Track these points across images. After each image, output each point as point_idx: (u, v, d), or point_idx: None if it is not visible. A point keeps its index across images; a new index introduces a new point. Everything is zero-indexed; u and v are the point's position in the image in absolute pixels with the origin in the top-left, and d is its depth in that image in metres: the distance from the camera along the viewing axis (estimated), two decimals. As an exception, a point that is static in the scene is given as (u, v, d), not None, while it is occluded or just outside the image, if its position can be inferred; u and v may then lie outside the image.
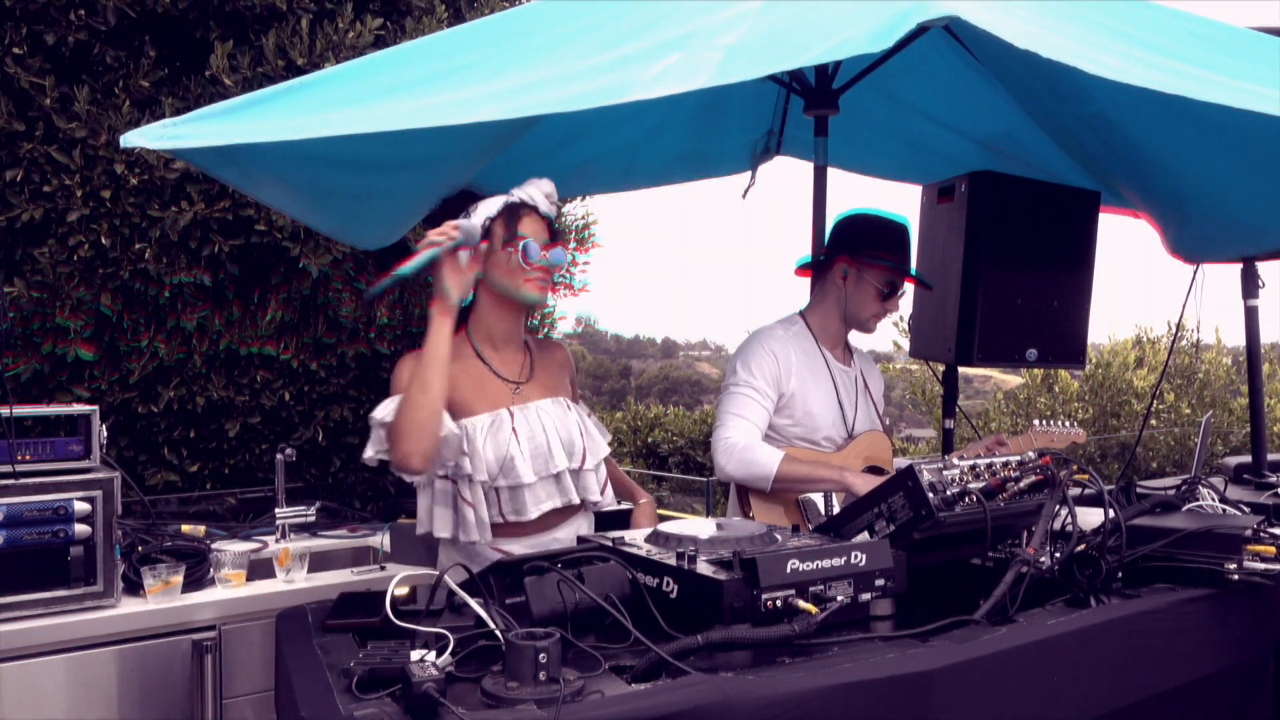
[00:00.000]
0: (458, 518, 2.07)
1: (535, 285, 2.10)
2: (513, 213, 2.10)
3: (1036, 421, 3.05)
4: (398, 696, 1.24)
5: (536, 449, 2.08)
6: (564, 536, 2.16)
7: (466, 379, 2.09)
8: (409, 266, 1.83)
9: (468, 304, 2.14)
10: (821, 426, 2.65)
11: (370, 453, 1.99)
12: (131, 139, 1.70)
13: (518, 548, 2.08)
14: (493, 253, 2.08)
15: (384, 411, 1.97)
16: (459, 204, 2.13)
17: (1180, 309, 3.37)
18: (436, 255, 1.86)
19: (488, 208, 2.08)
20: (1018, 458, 1.88)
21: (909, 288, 2.80)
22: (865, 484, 2.41)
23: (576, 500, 2.16)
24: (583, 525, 2.24)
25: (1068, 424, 3.03)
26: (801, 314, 2.79)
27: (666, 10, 1.94)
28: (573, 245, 5.23)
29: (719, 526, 1.78)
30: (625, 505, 3.11)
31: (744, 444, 2.50)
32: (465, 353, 2.13)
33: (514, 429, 2.06)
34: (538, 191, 2.15)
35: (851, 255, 2.66)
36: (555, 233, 2.18)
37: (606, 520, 2.94)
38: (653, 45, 1.78)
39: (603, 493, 2.23)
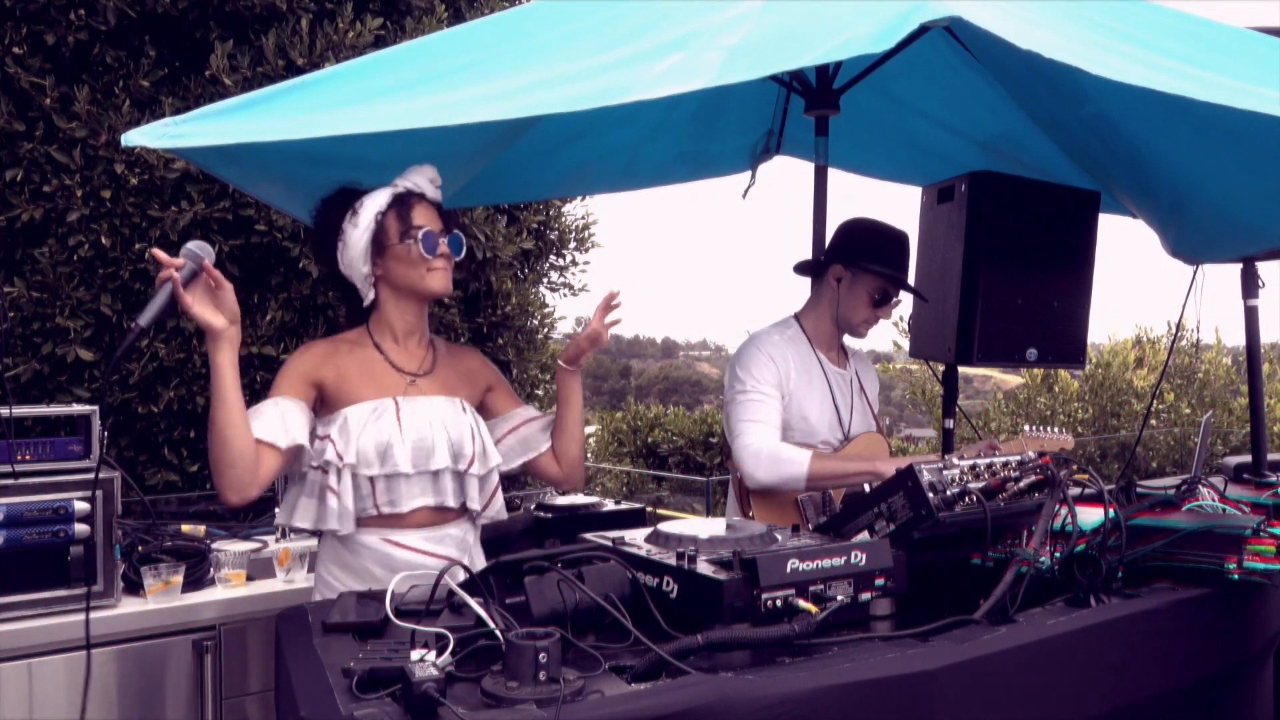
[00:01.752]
0: (322, 506, 1.96)
1: (438, 276, 2.03)
2: (403, 204, 2.02)
3: (1027, 427, 3.07)
4: (398, 696, 1.24)
5: (419, 442, 1.99)
6: (456, 533, 2.09)
7: (356, 367, 2.02)
8: (146, 315, 1.70)
9: (369, 304, 2.06)
10: (818, 429, 2.65)
11: None
12: (133, 138, 1.70)
13: (409, 538, 2.01)
14: (389, 247, 2.00)
15: (257, 430, 1.91)
16: (340, 201, 2.05)
17: (1180, 309, 3.38)
18: (170, 295, 1.71)
19: (374, 202, 2.01)
20: (1018, 457, 1.88)
21: (905, 295, 2.80)
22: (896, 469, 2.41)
23: (451, 503, 2.05)
24: (470, 532, 2.15)
25: (1057, 431, 3.05)
26: (796, 317, 2.80)
27: (668, 10, 1.94)
28: (572, 245, 5.23)
29: (728, 526, 1.78)
30: (631, 505, 3.12)
31: (769, 448, 2.48)
32: (363, 343, 2.07)
33: (398, 418, 1.99)
34: (422, 178, 2.07)
35: (847, 261, 2.67)
36: (447, 217, 2.09)
37: (614, 519, 2.94)
38: (654, 45, 1.78)
39: (488, 504, 2.12)
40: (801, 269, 2.86)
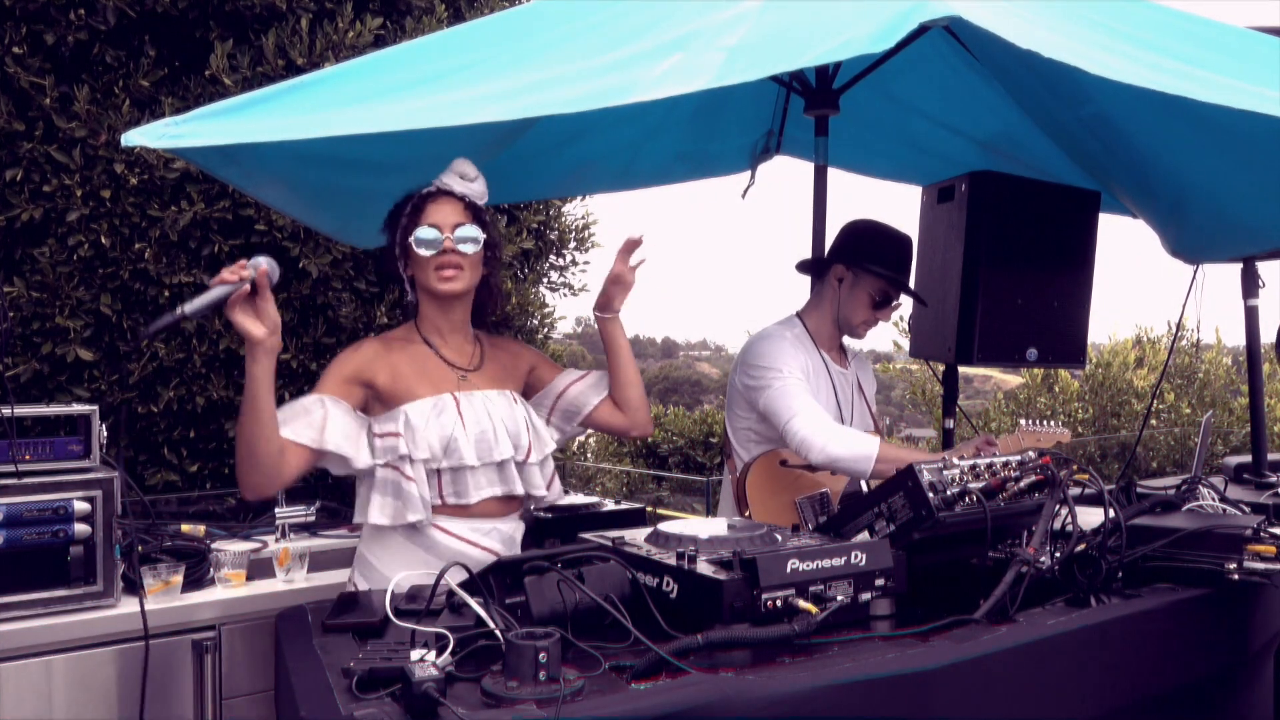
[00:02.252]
0: (400, 501, 2.00)
1: (442, 276, 2.02)
2: (416, 205, 2.04)
3: (1023, 421, 3.06)
4: (398, 696, 1.24)
5: (481, 434, 2.03)
6: (506, 529, 2.12)
7: (409, 365, 2.06)
8: (194, 305, 1.69)
9: (410, 302, 2.12)
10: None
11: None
12: (133, 138, 1.70)
13: (461, 527, 2.05)
14: (407, 248, 2.04)
15: (287, 433, 1.93)
16: (395, 208, 2.09)
17: (1180, 309, 3.38)
18: (225, 296, 1.72)
19: (405, 207, 2.07)
20: (1017, 457, 1.88)
21: (905, 297, 2.81)
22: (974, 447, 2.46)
23: (519, 491, 2.10)
24: (519, 529, 2.19)
25: (1054, 424, 3.04)
26: (799, 315, 2.80)
27: (668, 11, 1.94)
28: (572, 245, 5.23)
29: (730, 526, 1.78)
30: (631, 505, 3.11)
31: (832, 426, 2.45)
32: (413, 339, 2.11)
33: (459, 412, 2.03)
34: (450, 174, 2.08)
35: (850, 262, 2.68)
36: (475, 209, 2.08)
37: (614, 519, 2.94)
38: (655, 46, 1.78)
39: (549, 488, 2.17)
40: (803, 268, 2.87)
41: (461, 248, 2.03)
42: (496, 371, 2.17)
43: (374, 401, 2.05)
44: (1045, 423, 3.03)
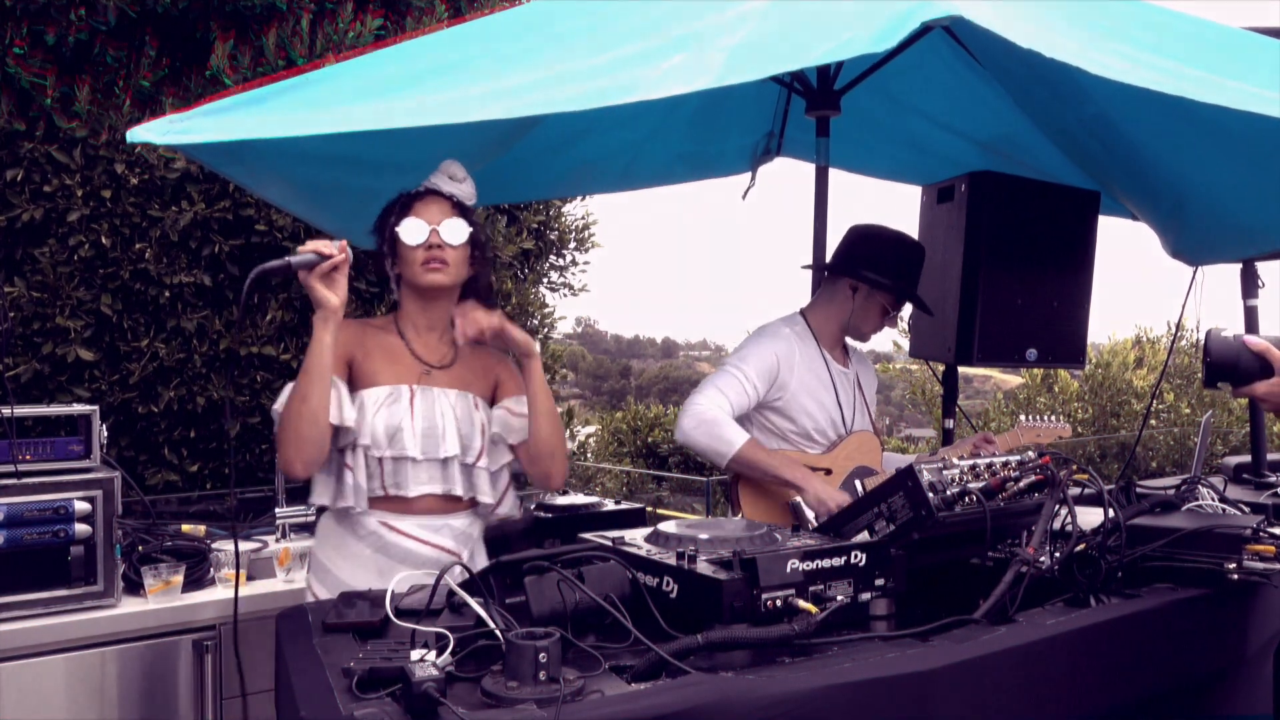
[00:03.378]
0: (339, 484, 2.02)
1: (427, 269, 2.04)
2: (405, 203, 2.08)
3: (1023, 417, 3.07)
4: (398, 696, 1.24)
5: (429, 428, 2.03)
6: (458, 525, 2.10)
7: (379, 351, 2.08)
8: (298, 260, 1.84)
9: (396, 299, 2.16)
10: (818, 426, 2.68)
11: (278, 405, 1.98)
12: (137, 134, 1.70)
13: (408, 524, 2.04)
14: (395, 244, 2.07)
15: (280, 401, 1.97)
16: (386, 207, 2.13)
17: (1180, 309, 3.38)
18: (324, 261, 1.84)
19: (392, 205, 2.10)
20: (1017, 458, 1.88)
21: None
22: (827, 493, 2.46)
23: (460, 491, 2.08)
24: (474, 525, 2.16)
25: (1053, 419, 3.04)
26: (803, 313, 2.81)
27: (670, 10, 1.94)
28: (572, 245, 5.23)
29: (730, 526, 1.78)
30: (631, 505, 3.11)
31: (714, 416, 2.52)
32: (389, 329, 2.13)
33: (412, 404, 2.03)
34: (440, 174, 2.11)
35: (862, 275, 2.68)
36: (463, 208, 2.11)
37: (614, 519, 2.94)
38: (656, 45, 1.78)
39: (500, 502, 2.15)
40: (815, 269, 2.88)
41: (447, 239, 2.04)
42: (465, 374, 2.15)
43: (347, 383, 2.06)
44: (1044, 418, 3.03)
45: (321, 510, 2.11)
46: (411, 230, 2.03)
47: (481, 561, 2.13)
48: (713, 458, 2.56)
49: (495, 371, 2.22)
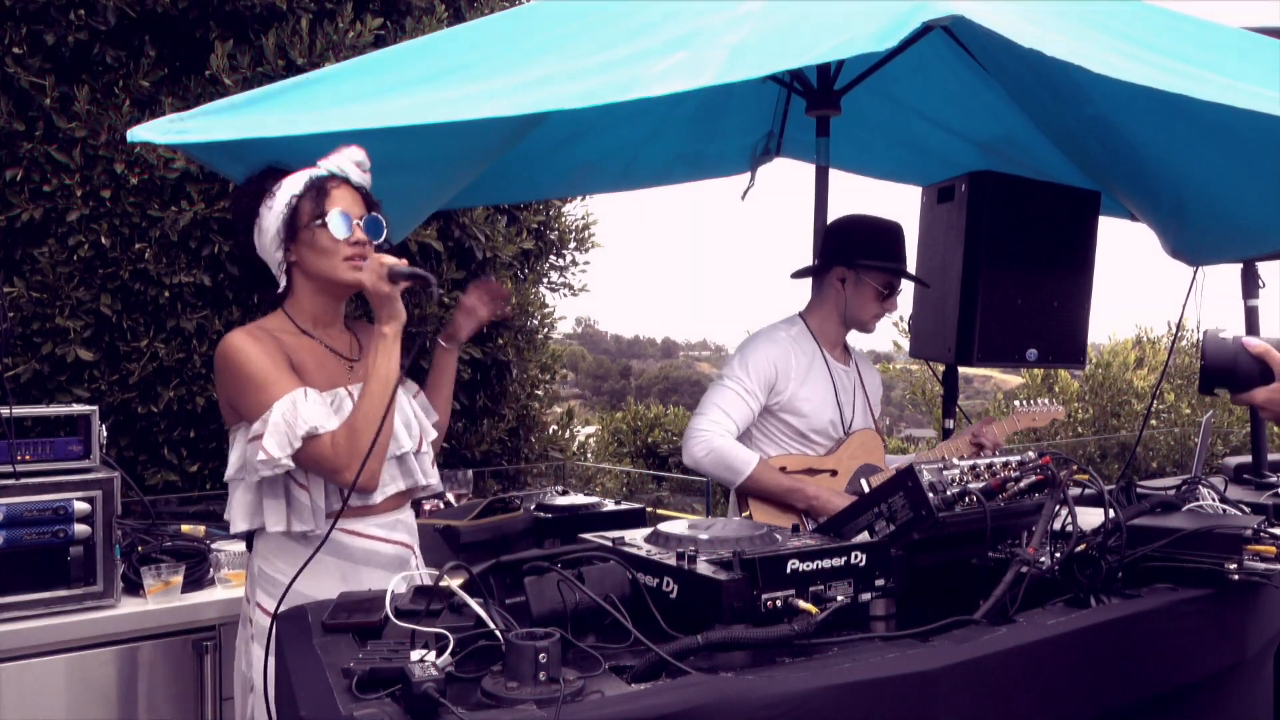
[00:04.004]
0: (290, 506, 1.88)
1: (352, 265, 1.89)
2: (319, 188, 1.89)
3: (1017, 403, 3.07)
4: (398, 696, 1.24)
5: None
6: (407, 519, 2.06)
7: (305, 356, 1.92)
8: (420, 272, 1.80)
9: (282, 291, 1.97)
10: (818, 426, 2.68)
11: (280, 453, 1.79)
12: (138, 134, 1.70)
13: (366, 526, 1.96)
14: (300, 231, 1.89)
15: (315, 420, 1.82)
16: (259, 181, 1.94)
17: (1180, 309, 3.37)
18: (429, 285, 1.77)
19: (291, 185, 1.90)
20: (1017, 458, 1.88)
21: (907, 284, 2.82)
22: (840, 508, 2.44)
23: (423, 482, 2.04)
24: (411, 515, 2.11)
25: (1046, 402, 3.05)
26: (801, 315, 2.81)
27: (670, 9, 1.94)
28: (572, 245, 5.23)
29: (730, 526, 1.78)
30: (631, 505, 3.11)
31: (720, 444, 2.52)
32: (291, 330, 1.95)
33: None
34: (346, 160, 1.93)
35: (849, 262, 2.68)
36: (371, 204, 1.97)
37: (614, 519, 2.94)
38: (657, 44, 1.78)
39: (429, 474, 2.08)
40: (801, 274, 2.87)
41: (371, 235, 1.93)
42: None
43: None
44: (1037, 401, 3.04)
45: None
46: (339, 224, 1.87)
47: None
48: (723, 484, 2.57)
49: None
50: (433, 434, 2.11)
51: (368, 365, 1.85)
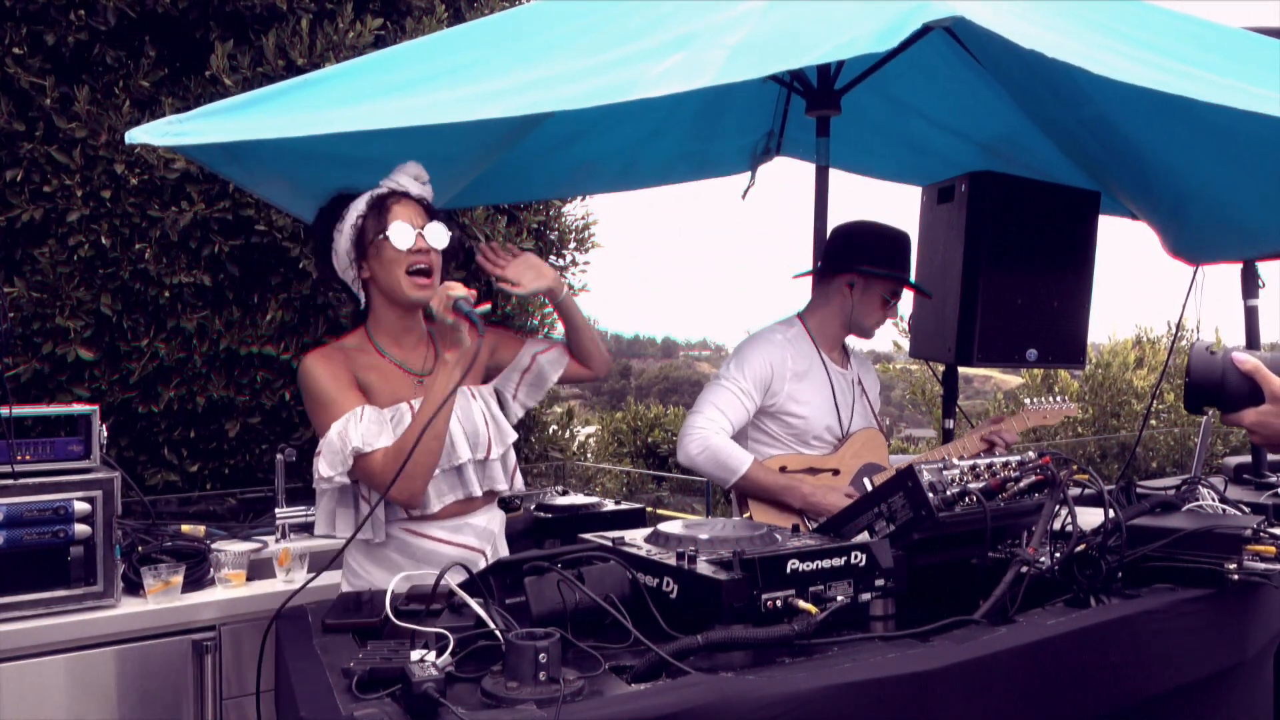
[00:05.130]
0: (358, 515, 2.03)
1: (418, 284, 2.00)
2: (381, 205, 2.00)
3: (1028, 401, 3.06)
4: (398, 696, 1.24)
5: None
6: (478, 523, 2.13)
7: (372, 374, 2.03)
8: (476, 315, 1.84)
9: (363, 308, 2.09)
10: (816, 428, 2.68)
11: (330, 472, 1.91)
12: (137, 135, 1.70)
13: (430, 529, 2.06)
14: (368, 246, 2.00)
15: (363, 439, 1.91)
16: (332, 208, 2.06)
17: (1180, 309, 3.37)
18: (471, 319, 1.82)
19: (357, 206, 2.02)
20: (1018, 458, 1.88)
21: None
22: (837, 505, 2.44)
23: (478, 493, 2.10)
24: (496, 516, 2.21)
25: (1057, 400, 3.04)
26: (800, 316, 2.81)
27: (670, 10, 1.94)
28: (572, 245, 5.23)
29: (730, 526, 1.78)
30: (631, 505, 3.12)
31: (716, 442, 2.53)
32: (366, 348, 2.07)
33: None
34: (405, 176, 2.05)
35: (859, 269, 2.69)
36: (434, 214, 2.06)
37: (614, 519, 2.94)
38: (656, 44, 1.78)
39: (511, 482, 2.17)
40: (805, 276, 2.87)
41: (433, 243, 2.01)
42: None
43: None
44: (1049, 399, 3.03)
45: None
46: (401, 235, 1.97)
47: (504, 552, 2.18)
48: (717, 482, 2.58)
49: (484, 348, 2.16)
50: (510, 438, 2.17)
51: (428, 385, 1.95)
